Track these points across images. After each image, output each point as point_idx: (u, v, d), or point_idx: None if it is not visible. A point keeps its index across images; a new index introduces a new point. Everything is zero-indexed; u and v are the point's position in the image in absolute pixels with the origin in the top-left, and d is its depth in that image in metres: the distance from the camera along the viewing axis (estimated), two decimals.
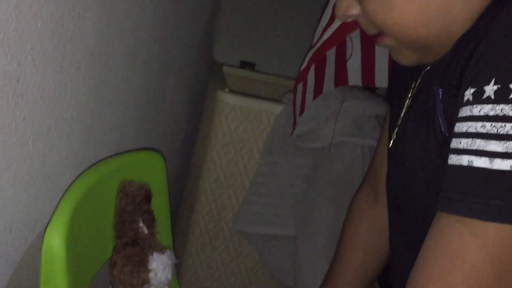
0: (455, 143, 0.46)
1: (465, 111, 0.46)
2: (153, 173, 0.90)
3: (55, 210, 0.66)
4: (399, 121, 0.64)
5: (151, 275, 0.76)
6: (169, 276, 0.78)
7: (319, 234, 1.31)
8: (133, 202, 0.78)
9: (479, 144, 0.44)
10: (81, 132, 0.72)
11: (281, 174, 1.36)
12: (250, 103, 1.35)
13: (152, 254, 0.76)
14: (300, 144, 1.31)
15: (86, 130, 0.74)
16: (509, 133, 0.43)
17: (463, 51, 0.49)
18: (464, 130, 0.45)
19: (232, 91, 1.38)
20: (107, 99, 0.80)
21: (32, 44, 0.53)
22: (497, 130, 0.43)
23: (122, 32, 0.80)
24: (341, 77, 1.20)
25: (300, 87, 1.21)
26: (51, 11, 0.55)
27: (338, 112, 1.27)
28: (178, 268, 1.32)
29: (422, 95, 0.59)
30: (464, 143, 0.45)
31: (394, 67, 0.74)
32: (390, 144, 0.66)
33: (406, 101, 0.64)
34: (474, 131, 0.45)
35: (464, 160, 0.45)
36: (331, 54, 1.17)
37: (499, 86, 0.44)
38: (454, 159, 0.46)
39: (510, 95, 0.43)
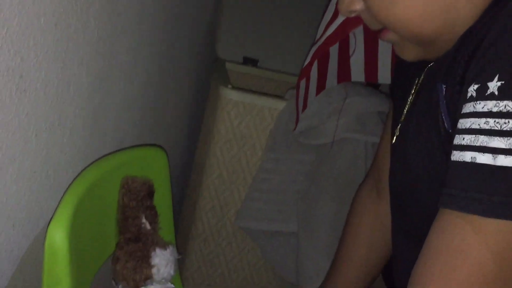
0: (458, 139, 0.46)
1: (468, 107, 0.46)
2: (155, 169, 0.90)
3: (58, 205, 0.66)
4: (402, 118, 0.64)
5: (154, 270, 0.76)
6: (172, 272, 0.79)
7: (321, 230, 1.31)
8: (136, 198, 0.78)
9: (483, 140, 0.44)
10: (84, 128, 0.73)
11: (283, 170, 1.36)
12: (253, 99, 1.35)
13: (154, 249, 0.77)
14: (302, 140, 1.31)
15: (89, 126, 0.75)
16: None
17: (466, 47, 0.49)
18: (467, 126, 0.45)
19: (235, 87, 1.38)
20: (110, 95, 0.81)
21: (35, 39, 0.53)
22: (501, 127, 0.43)
23: (125, 28, 0.80)
24: (344, 73, 1.20)
25: (303, 83, 1.21)
26: (54, 7, 0.55)
27: (341, 108, 1.27)
28: (180, 264, 1.32)
29: (425, 91, 0.59)
30: (467, 139, 0.45)
31: (397, 63, 0.74)
32: (393, 141, 0.66)
33: (409, 97, 0.64)
34: (478, 127, 0.44)
35: (467, 156, 0.45)
36: (334, 50, 1.17)
37: (503, 82, 0.44)
38: (457, 155, 0.46)
39: None
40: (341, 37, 1.13)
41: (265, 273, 1.49)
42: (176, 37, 1.18)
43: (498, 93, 0.44)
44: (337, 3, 0.59)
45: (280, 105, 1.35)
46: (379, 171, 0.82)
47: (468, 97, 0.46)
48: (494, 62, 0.45)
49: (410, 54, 0.57)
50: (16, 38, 0.49)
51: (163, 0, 1.01)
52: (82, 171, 0.74)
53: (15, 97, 0.52)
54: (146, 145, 1.03)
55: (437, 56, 0.57)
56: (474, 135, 0.45)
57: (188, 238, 1.47)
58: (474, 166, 0.44)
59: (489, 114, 0.44)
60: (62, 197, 0.67)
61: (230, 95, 1.35)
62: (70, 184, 0.70)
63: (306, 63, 1.19)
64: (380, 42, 1.16)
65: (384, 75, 1.19)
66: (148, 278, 0.76)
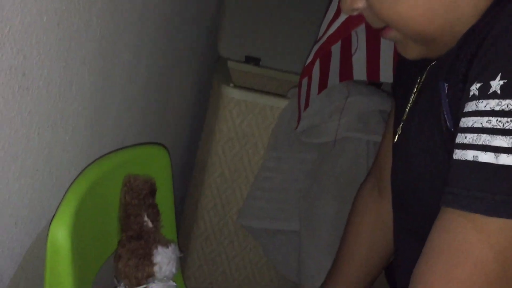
0: (461, 138, 0.46)
1: (470, 106, 0.46)
2: (157, 167, 0.90)
3: (60, 203, 0.66)
4: (404, 116, 0.64)
5: (156, 268, 0.76)
6: (174, 270, 0.79)
7: (323, 229, 1.31)
8: (138, 196, 0.79)
9: (485, 139, 0.44)
10: (86, 126, 0.73)
11: (285, 169, 1.36)
12: (255, 98, 1.35)
13: (156, 247, 0.77)
14: (304, 139, 1.31)
15: (91, 125, 0.75)
16: None
17: (469, 46, 0.49)
18: (469, 125, 0.45)
19: (237, 86, 1.38)
20: (112, 94, 0.81)
21: (37, 38, 0.53)
22: (503, 125, 0.43)
23: (127, 26, 0.80)
24: (346, 72, 1.20)
25: (305, 81, 1.21)
26: (56, 5, 0.55)
27: (342, 107, 1.27)
28: (182, 263, 1.32)
29: (427, 90, 0.59)
30: (469, 138, 0.45)
31: (399, 62, 0.74)
32: (395, 139, 0.66)
33: (411, 96, 0.64)
34: (480, 126, 0.44)
35: (470, 155, 0.45)
36: (336, 48, 1.17)
37: (505, 81, 0.44)
38: (459, 154, 0.46)
39: None
40: (343, 35, 1.13)
41: (267, 271, 1.49)
42: (178, 36, 1.18)
43: (500, 92, 0.44)
44: (339, 2, 0.59)
45: (282, 103, 1.35)
46: (380, 170, 0.82)
47: (470, 96, 0.46)
48: (497, 61, 0.45)
49: (412, 52, 0.57)
50: (19, 36, 0.50)
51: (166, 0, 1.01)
52: (84, 169, 0.74)
53: (17, 95, 0.52)
54: (148, 143, 1.03)
55: (439, 55, 0.57)
56: (476, 134, 0.45)
57: (190, 236, 1.48)
58: (476, 165, 0.44)
59: (492, 113, 0.44)
60: (64, 195, 0.67)
61: (232, 93, 1.35)
62: (72, 182, 0.70)
63: (308, 61, 1.19)
64: (382, 40, 1.16)
65: (386, 74, 1.19)
66: (150, 276, 0.76)
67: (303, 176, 1.36)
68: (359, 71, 1.20)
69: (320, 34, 1.16)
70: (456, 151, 0.46)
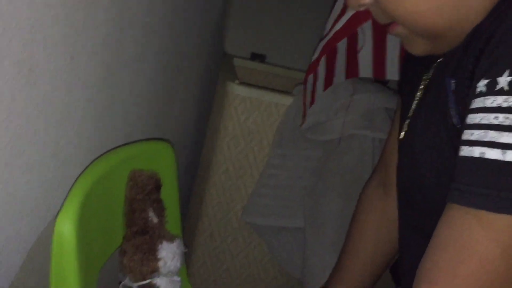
0: (467, 135, 0.46)
1: (478, 103, 0.46)
2: (163, 163, 0.90)
3: (66, 198, 0.67)
4: (411, 113, 0.64)
5: (161, 263, 0.76)
6: (178, 265, 0.79)
7: (328, 226, 1.31)
8: (143, 191, 0.79)
9: (492, 135, 0.44)
10: (92, 121, 0.73)
11: (290, 166, 1.36)
12: (260, 95, 1.35)
13: (161, 242, 0.77)
14: (310, 136, 1.31)
15: (97, 120, 0.75)
16: None
17: (476, 43, 0.49)
18: (476, 121, 0.45)
19: (242, 83, 1.38)
20: (118, 89, 0.81)
21: (44, 33, 0.53)
22: (511, 122, 0.43)
23: (134, 22, 0.80)
24: (352, 69, 1.19)
25: (310, 78, 1.21)
26: (63, 1, 0.56)
27: (348, 105, 1.27)
28: (186, 259, 1.33)
29: (434, 86, 0.59)
30: (476, 134, 0.45)
31: (406, 59, 0.73)
32: (401, 136, 0.66)
33: (417, 93, 0.63)
34: (487, 122, 0.44)
35: (476, 151, 0.45)
36: (342, 45, 1.16)
37: None
38: (465, 151, 0.46)
39: None
40: (349, 32, 1.12)
41: (271, 268, 1.49)
42: (184, 33, 1.18)
43: (508, 88, 0.44)
44: None
45: (287, 101, 1.35)
46: (386, 167, 0.82)
47: (477, 92, 0.46)
48: (504, 58, 0.45)
49: (418, 48, 0.57)
50: (26, 31, 0.50)
51: None
52: (90, 164, 0.74)
53: (24, 90, 0.53)
54: (153, 139, 1.04)
55: (445, 51, 0.56)
56: (483, 131, 0.44)
57: (194, 233, 1.48)
58: (482, 161, 0.44)
59: (499, 110, 0.44)
60: (70, 190, 0.68)
61: (237, 90, 1.35)
62: (78, 177, 0.70)
63: (314, 58, 1.18)
64: (388, 38, 1.15)
65: (392, 71, 1.19)
66: (155, 271, 0.76)
67: (308, 173, 1.36)
68: (365, 68, 1.20)
69: (326, 31, 1.16)
70: (463, 147, 0.46)
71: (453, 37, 0.53)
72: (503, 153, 0.43)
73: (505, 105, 0.43)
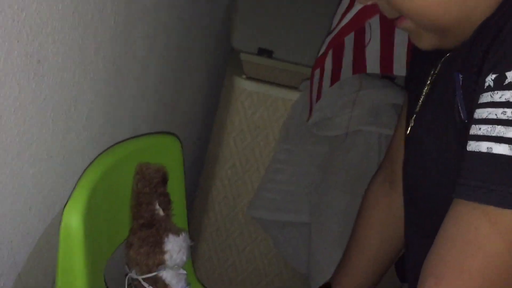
0: (475, 130, 0.46)
1: (485, 97, 0.45)
2: (169, 156, 0.90)
3: (73, 190, 0.67)
4: (417, 108, 0.64)
5: (167, 256, 0.77)
6: (184, 258, 0.79)
7: (333, 222, 1.31)
8: (150, 184, 0.79)
9: (499, 130, 0.43)
10: (100, 114, 0.73)
11: (296, 161, 1.36)
12: (267, 90, 1.35)
13: (167, 236, 0.77)
14: (316, 132, 1.31)
15: (105, 113, 0.75)
16: None
17: (484, 38, 0.48)
18: (484, 116, 0.45)
19: (249, 78, 1.38)
20: (125, 83, 0.81)
21: (52, 26, 0.54)
22: None
23: (141, 15, 0.80)
24: (359, 64, 1.19)
25: (317, 73, 1.21)
26: None
27: (354, 100, 1.26)
28: (192, 253, 1.33)
29: (441, 82, 0.58)
30: (484, 129, 0.45)
31: (413, 55, 0.73)
32: (408, 131, 0.66)
33: (424, 88, 0.63)
34: (495, 117, 0.44)
35: (483, 146, 0.44)
36: (349, 40, 1.16)
37: None
38: (473, 146, 0.45)
39: None
40: (357, 27, 1.12)
41: (276, 263, 1.50)
42: (192, 27, 1.18)
43: None
44: None
45: (294, 96, 1.35)
46: (392, 163, 0.81)
47: (485, 87, 0.46)
48: None
49: (426, 42, 0.57)
50: (34, 23, 0.50)
51: None
52: (97, 156, 0.74)
53: (33, 82, 0.53)
54: (160, 132, 1.04)
55: (453, 46, 0.56)
56: (491, 125, 0.44)
57: (200, 227, 1.48)
58: (490, 156, 0.44)
59: (507, 104, 0.43)
60: (77, 182, 0.68)
61: (244, 85, 1.34)
62: (86, 169, 0.71)
63: (320, 53, 1.18)
64: (396, 34, 1.15)
65: (400, 67, 1.18)
66: (161, 263, 0.76)
67: (314, 168, 1.36)
68: (373, 64, 1.19)
69: (333, 25, 1.15)
70: (470, 142, 0.46)
71: (461, 31, 0.53)
72: (511, 148, 0.43)
73: None
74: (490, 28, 0.48)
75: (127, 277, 0.80)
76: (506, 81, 0.44)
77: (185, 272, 0.80)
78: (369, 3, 0.56)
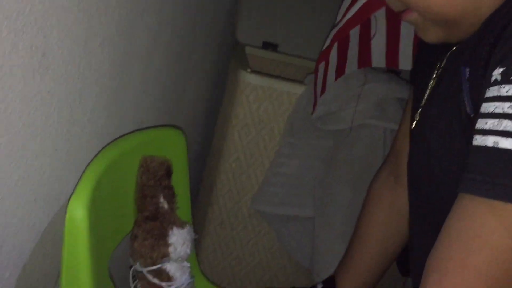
0: (481, 124, 0.45)
1: (492, 91, 0.45)
2: (174, 149, 0.90)
3: (78, 182, 0.67)
4: (423, 102, 0.63)
5: (171, 249, 0.77)
6: (188, 251, 0.80)
7: (337, 216, 1.31)
8: (154, 177, 0.79)
9: (506, 125, 0.43)
10: (104, 106, 0.73)
11: (301, 155, 1.36)
12: (271, 83, 1.35)
13: (172, 228, 0.78)
14: (321, 125, 1.31)
15: (110, 105, 0.75)
16: None
17: (491, 31, 0.48)
18: (491, 110, 0.45)
19: (254, 71, 1.37)
20: (130, 76, 0.81)
21: (57, 18, 0.53)
22: None
23: (146, 8, 0.80)
24: (364, 58, 1.18)
25: (321, 66, 1.20)
26: None
27: (359, 94, 1.26)
28: (196, 246, 1.34)
29: (447, 75, 0.58)
30: (490, 123, 0.44)
31: (419, 47, 0.73)
32: (413, 125, 0.65)
33: (430, 82, 0.63)
34: (501, 111, 0.44)
35: (490, 141, 0.44)
36: (354, 33, 1.15)
37: None
38: (479, 140, 0.45)
39: None
40: (362, 20, 1.11)
41: (280, 257, 1.50)
42: (196, 21, 1.18)
43: None
44: None
45: (299, 90, 1.34)
46: (397, 157, 0.81)
47: (492, 81, 0.45)
48: None
49: (432, 36, 0.56)
50: (40, 15, 0.50)
51: None
52: (102, 149, 0.74)
53: (37, 75, 0.53)
54: (165, 125, 1.04)
55: (459, 39, 0.55)
56: (497, 119, 0.44)
57: (204, 221, 1.49)
58: (496, 151, 0.44)
59: None
60: (82, 174, 0.68)
61: (249, 79, 1.34)
62: (90, 162, 0.71)
63: (325, 46, 1.17)
64: (402, 28, 1.14)
65: (405, 61, 1.17)
66: (165, 256, 0.77)
67: (319, 162, 1.36)
68: (378, 58, 1.18)
69: (338, 19, 1.15)
70: (476, 136, 0.46)
71: (467, 25, 0.53)
72: None
73: None
74: (497, 22, 0.48)
75: (131, 269, 0.80)
76: None
77: (189, 264, 0.80)
78: None
